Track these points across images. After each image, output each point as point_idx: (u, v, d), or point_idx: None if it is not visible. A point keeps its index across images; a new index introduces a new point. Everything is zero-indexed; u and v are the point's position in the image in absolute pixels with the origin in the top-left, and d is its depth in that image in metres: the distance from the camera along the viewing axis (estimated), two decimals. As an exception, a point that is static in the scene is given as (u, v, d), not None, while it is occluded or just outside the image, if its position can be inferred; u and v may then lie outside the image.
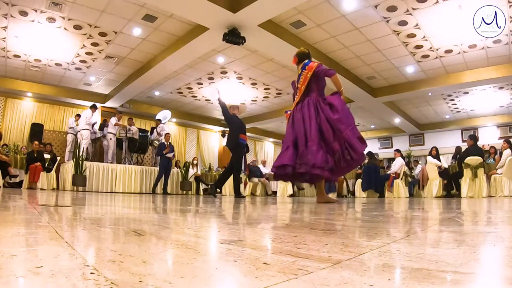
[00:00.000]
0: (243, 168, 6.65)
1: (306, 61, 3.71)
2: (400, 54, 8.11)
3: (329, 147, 3.35)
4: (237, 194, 6.02)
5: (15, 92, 10.33)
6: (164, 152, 8.77)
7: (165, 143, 9.04)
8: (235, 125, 5.90)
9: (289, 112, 3.84)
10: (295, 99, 3.71)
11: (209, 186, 6.77)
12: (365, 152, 3.66)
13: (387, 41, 7.50)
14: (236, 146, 5.84)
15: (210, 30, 6.58)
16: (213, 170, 12.96)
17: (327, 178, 3.45)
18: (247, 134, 6.37)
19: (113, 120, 9.65)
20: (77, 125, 9.52)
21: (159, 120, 10.59)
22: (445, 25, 6.72)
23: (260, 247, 0.88)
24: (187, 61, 8.39)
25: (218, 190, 6.15)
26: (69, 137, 9.92)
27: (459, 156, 8.04)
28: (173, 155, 9.22)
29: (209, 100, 12.09)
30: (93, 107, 9.52)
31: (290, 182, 9.58)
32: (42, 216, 1.57)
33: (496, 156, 8.18)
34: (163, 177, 8.84)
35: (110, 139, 9.43)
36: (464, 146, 8.53)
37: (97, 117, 10.41)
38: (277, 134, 16.90)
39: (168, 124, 12.71)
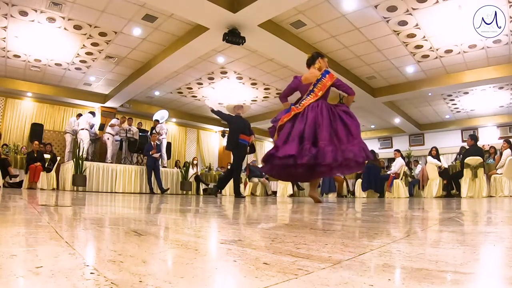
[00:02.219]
0: (243, 168, 6.53)
1: (325, 70, 3.78)
2: (400, 54, 8.11)
3: (343, 146, 3.44)
4: (237, 194, 5.99)
5: (15, 92, 10.33)
6: (150, 153, 8.78)
7: (152, 143, 9.05)
8: (234, 125, 5.87)
9: (297, 107, 3.72)
10: (307, 100, 3.67)
11: (211, 187, 6.80)
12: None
13: (387, 41, 7.50)
14: (236, 147, 5.77)
15: (210, 30, 6.58)
16: (213, 170, 12.95)
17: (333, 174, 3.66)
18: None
19: (113, 121, 9.70)
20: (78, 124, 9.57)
21: (157, 121, 10.62)
22: (445, 25, 6.72)
23: (260, 247, 0.88)
24: (187, 61, 8.39)
25: (219, 190, 6.10)
26: (68, 137, 9.92)
27: (462, 155, 8.02)
28: (160, 155, 9.23)
29: (209, 100, 12.09)
30: (92, 114, 9.72)
31: (290, 183, 9.61)
32: (42, 216, 1.57)
33: (496, 156, 8.17)
34: (153, 177, 8.85)
35: (108, 139, 9.46)
36: (466, 146, 8.51)
37: (97, 120, 10.43)
38: (277, 134, 16.89)
39: (168, 124, 12.72)
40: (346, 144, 3.42)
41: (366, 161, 3.59)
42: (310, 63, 3.87)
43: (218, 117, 6.32)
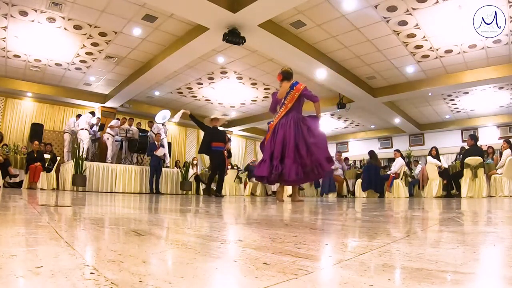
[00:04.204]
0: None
1: (294, 81, 4.27)
2: (400, 54, 8.10)
3: (302, 161, 3.97)
4: (219, 192, 6.74)
5: (15, 92, 10.32)
6: (155, 152, 8.79)
7: (156, 143, 9.06)
8: (208, 135, 6.80)
9: (272, 123, 4.26)
10: (280, 112, 4.20)
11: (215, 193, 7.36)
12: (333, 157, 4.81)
13: (387, 41, 7.49)
14: (208, 152, 6.83)
15: (210, 30, 6.57)
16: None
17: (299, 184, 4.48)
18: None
19: (113, 122, 9.72)
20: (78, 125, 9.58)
21: (151, 122, 10.64)
22: (445, 25, 6.71)
23: (260, 247, 0.88)
24: (187, 61, 8.38)
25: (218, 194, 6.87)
26: (67, 137, 9.91)
27: (462, 155, 8.02)
28: (164, 154, 9.20)
29: (209, 100, 12.10)
30: (92, 114, 9.75)
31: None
32: (42, 216, 1.57)
33: (494, 156, 8.17)
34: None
35: (108, 139, 9.48)
36: (466, 146, 8.51)
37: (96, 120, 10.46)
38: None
39: (168, 124, 12.71)
40: (306, 158, 3.94)
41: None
42: (289, 78, 4.32)
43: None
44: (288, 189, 9.82)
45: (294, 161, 3.93)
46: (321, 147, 4.08)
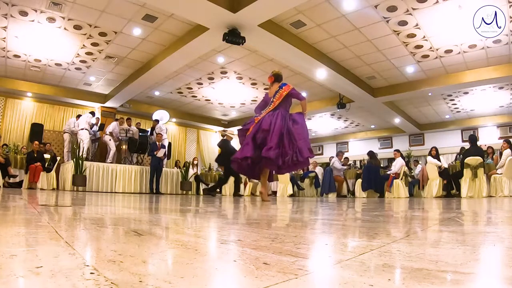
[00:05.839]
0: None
1: (283, 82, 4.69)
2: (400, 54, 8.10)
3: (284, 150, 4.19)
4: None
5: (15, 92, 10.32)
6: (155, 153, 8.79)
7: (157, 143, 9.06)
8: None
9: (258, 117, 4.50)
10: (268, 109, 4.51)
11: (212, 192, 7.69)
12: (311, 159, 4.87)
13: (387, 41, 7.49)
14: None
15: (210, 30, 6.57)
16: (213, 170, 12.94)
17: (273, 170, 4.61)
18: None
19: (114, 134, 9.75)
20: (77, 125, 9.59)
21: (156, 121, 10.63)
22: (445, 25, 6.71)
23: (260, 247, 0.88)
24: (187, 61, 8.38)
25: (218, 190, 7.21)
26: (66, 137, 9.91)
27: (462, 155, 8.02)
28: (164, 153, 9.22)
29: (209, 100, 12.10)
30: (92, 114, 9.77)
31: (290, 183, 9.63)
32: (42, 216, 1.57)
33: (494, 156, 8.17)
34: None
35: (110, 140, 9.50)
36: (466, 147, 8.51)
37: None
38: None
39: (168, 124, 12.72)
40: (287, 148, 4.17)
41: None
42: (279, 79, 4.72)
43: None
44: (289, 189, 9.88)
45: (276, 147, 4.14)
46: (302, 136, 4.39)
